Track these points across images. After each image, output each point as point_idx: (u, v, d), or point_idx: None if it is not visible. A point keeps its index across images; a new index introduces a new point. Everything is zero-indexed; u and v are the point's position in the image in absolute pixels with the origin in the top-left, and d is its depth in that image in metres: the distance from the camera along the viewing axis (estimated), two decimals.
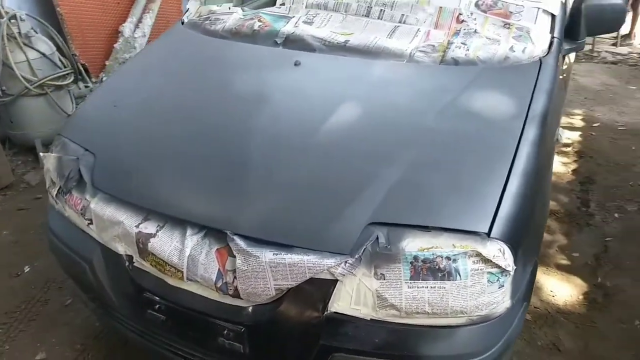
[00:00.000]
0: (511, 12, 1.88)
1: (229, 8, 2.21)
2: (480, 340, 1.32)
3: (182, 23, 2.30)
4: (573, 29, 1.95)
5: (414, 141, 1.47)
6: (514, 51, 1.76)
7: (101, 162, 1.63)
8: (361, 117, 1.58)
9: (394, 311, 1.29)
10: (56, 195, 1.71)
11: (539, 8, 1.88)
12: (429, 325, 1.30)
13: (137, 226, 1.48)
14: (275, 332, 1.40)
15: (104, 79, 4.52)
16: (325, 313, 1.32)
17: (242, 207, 1.40)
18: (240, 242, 1.33)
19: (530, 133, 1.51)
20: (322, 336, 1.33)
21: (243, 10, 2.17)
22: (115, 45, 4.64)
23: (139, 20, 4.79)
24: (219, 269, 1.39)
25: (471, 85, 1.63)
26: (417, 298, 1.27)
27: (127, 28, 4.68)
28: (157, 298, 1.53)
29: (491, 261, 1.26)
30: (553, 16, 1.89)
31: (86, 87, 4.13)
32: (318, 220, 1.35)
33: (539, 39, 1.81)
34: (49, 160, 1.75)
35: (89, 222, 1.61)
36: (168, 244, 1.44)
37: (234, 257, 1.36)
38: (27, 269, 2.74)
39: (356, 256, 1.28)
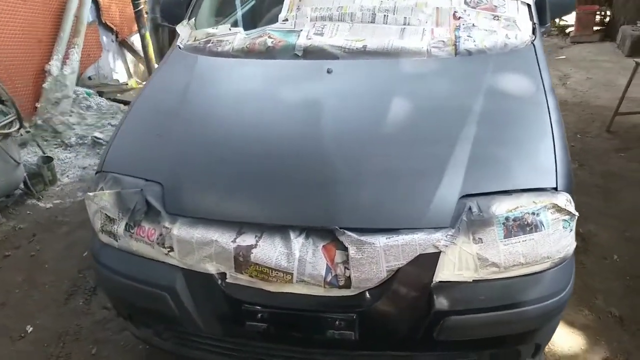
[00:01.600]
0: (496, 6, 2.16)
1: (230, 29, 2.27)
2: (562, 278, 1.56)
3: (180, 48, 2.32)
4: (540, 14, 2.29)
5: (467, 121, 1.67)
6: (509, 38, 2.05)
7: (173, 189, 1.64)
8: (412, 108, 1.76)
9: (494, 268, 1.47)
10: (118, 231, 1.68)
11: (517, 0, 2.20)
12: (522, 275, 1.50)
13: (233, 241, 1.53)
14: (387, 312, 1.52)
15: (39, 121, 4.27)
16: (433, 283, 1.47)
17: (341, 202, 1.52)
18: (352, 234, 1.45)
19: (551, 102, 1.78)
20: (434, 304, 1.47)
21: (245, 30, 2.25)
22: (44, 85, 4.40)
23: (65, 57, 4.57)
24: (327, 265, 1.49)
25: (491, 70, 1.88)
26: (513, 252, 1.47)
27: (54, 66, 4.46)
28: (258, 308, 1.58)
29: (564, 209, 1.50)
30: (529, 6, 2.22)
31: (27, 132, 3.88)
32: (414, 201, 1.50)
33: (524, 26, 2.12)
34: (103, 198, 1.72)
35: (169, 249, 1.61)
36: (272, 251, 1.51)
37: (343, 249, 1.47)
38: (29, 328, 2.56)
39: (456, 227, 1.45)
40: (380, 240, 1.44)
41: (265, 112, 1.84)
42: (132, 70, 5.65)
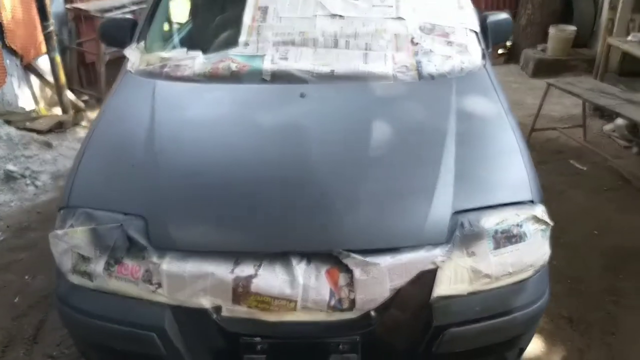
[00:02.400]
0: (447, 33, 2.30)
1: (187, 53, 2.20)
2: (542, 284, 1.67)
3: (131, 72, 2.21)
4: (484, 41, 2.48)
5: (446, 142, 1.75)
6: (464, 63, 2.19)
7: (158, 222, 1.55)
8: (390, 130, 1.82)
9: (486, 279, 1.55)
10: (96, 270, 1.55)
11: (465, 27, 2.36)
12: (510, 283, 1.60)
13: (231, 272, 1.48)
14: (389, 331, 1.54)
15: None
16: (432, 299, 1.52)
17: (341, 225, 1.52)
18: (357, 256, 1.46)
19: (512, 121, 1.94)
20: (434, 319, 1.52)
21: (204, 54, 2.19)
22: None
23: None
24: (330, 289, 1.48)
25: (454, 93, 2.00)
26: (502, 263, 1.56)
27: None
28: (257, 339, 1.53)
29: (541, 220, 1.63)
30: (476, 33, 2.39)
31: None
32: (412, 220, 1.55)
33: (474, 51, 2.28)
34: (75, 235, 1.58)
35: (157, 286, 1.51)
36: (274, 279, 1.47)
37: (346, 272, 1.48)
38: None
39: (452, 242, 1.51)
40: (385, 260, 1.46)
41: (245, 137, 1.81)
42: (38, 96, 5.23)
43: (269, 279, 1.47)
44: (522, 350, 1.79)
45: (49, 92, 5.31)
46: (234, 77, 2.08)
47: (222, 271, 1.48)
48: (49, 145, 4.27)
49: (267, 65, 2.09)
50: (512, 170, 1.74)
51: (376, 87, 2.03)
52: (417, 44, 2.21)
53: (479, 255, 1.54)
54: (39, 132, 4.42)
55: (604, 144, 4.48)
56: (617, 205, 3.53)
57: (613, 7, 4.97)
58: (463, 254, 1.53)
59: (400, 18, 2.27)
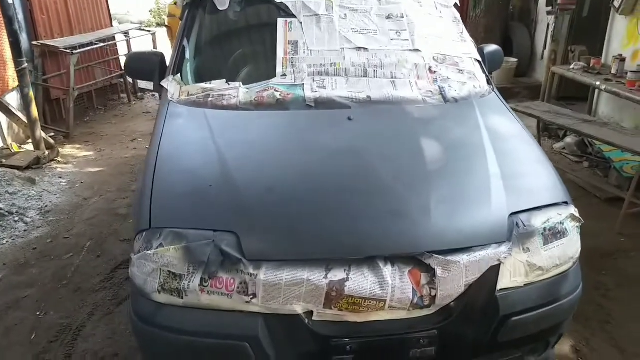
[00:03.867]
0: (457, 62, 2.59)
1: (228, 84, 2.33)
2: (578, 274, 1.92)
3: (174, 102, 2.30)
4: None
5: (487, 154, 1.99)
6: (476, 88, 2.48)
7: (251, 236, 1.65)
8: (437, 146, 2.03)
9: (539, 272, 1.78)
10: (190, 286, 1.63)
11: (470, 57, 2.65)
12: (557, 274, 1.83)
13: (325, 277, 1.61)
14: (462, 324, 1.71)
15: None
16: (497, 291, 1.72)
17: (422, 230, 1.70)
18: (439, 256, 1.63)
19: (530, 135, 2.22)
20: (500, 310, 1.71)
21: (244, 85, 2.33)
22: None
23: None
24: (413, 288, 1.65)
25: (479, 113, 2.26)
26: (552, 256, 1.80)
27: None
28: (346, 340, 1.66)
29: (577, 218, 1.89)
30: (480, 62, 2.69)
31: None
32: (479, 222, 1.75)
33: (481, 78, 2.58)
34: (167, 254, 1.64)
35: (252, 296, 1.61)
36: (365, 281, 1.62)
37: (426, 272, 1.65)
38: None
39: (511, 241, 1.73)
40: (463, 259, 1.65)
41: (311, 155, 1.96)
42: (6, 132, 5.06)
43: (361, 281, 1.62)
44: (561, 335, 2.02)
45: (16, 128, 5.16)
46: (280, 104, 2.23)
47: (317, 277, 1.60)
48: (32, 181, 4.16)
49: (308, 93, 2.26)
50: (545, 176, 2.00)
51: (411, 109, 2.25)
52: (434, 72, 2.47)
53: (533, 250, 1.77)
54: (17, 168, 4.29)
55: (557, 160, 4.97)
56: (582, 212, 3.94)
57: (555, 40, 5.57)
58: (520, 250, 1.75)
59: (417, 50, 2.52)
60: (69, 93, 5.47)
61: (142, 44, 7.36)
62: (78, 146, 5.47)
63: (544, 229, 1.80)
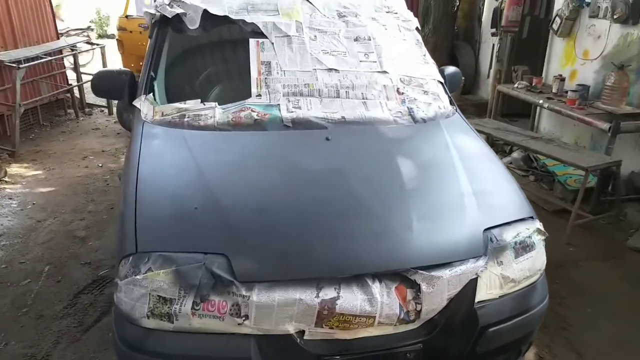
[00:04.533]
0: (422, 84, 2.71)
1: (204, 104, 2.33)
2: (544, 285, 2.06)
3: (148, 122, 2.28)
4: None
5: (458, 173, 2.10)
6: (441, 108, 2.61)
7: (242, 258, 1.67)
8: (410, 165, 2.12)
9: (512, 284, 1.90)
10: (182, 310, 1.62)
11: (433, 79, 2.79)
12: (527, 285, 1.96)
13: (317, 296, 1.65)
14: (444, 336, 1.80)
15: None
16: (475, 304, 1.82)
17: (406, 247, 1.77)
18: (424, 272, 1.71)
19: (493, 152, 2.36)
20: (479, 321, 1.81)
21: (219, 105, 2.34)
22: None
23: None
24: (399, 303, 1.72)
25: (446, 132, 2.39)
26: (522, 269, 1.92)
27: None
28: (337, 357, 1.70)
29: (542, 231, 2.03)
30: (442, 83, 2.83)
31: None
32: (457, 238, 1.85)
33: (444, 99, 2.71)
34: (157, 278, 1.63)
35: (244, 318, 1.63)
36: (354, 299, 1.67)
37: (411, 287, 1.73)
38: None
39: (487, 254, 1.84)
40: (446, 273, 1.74)
41: (293, 175, 2.01)
42: None
43: (351, 299, 1.67)
44: (531, 344, 2.14)
45: None
46: (258, 124, 2.26)
47: (308, 296, 1.64)
48: None
49: (285, 113, 2.31)
50: (512, 193, 2.13)
51: (385, 130, 2.34)
52: (402, 93, 2.59)
53: (505, 263, 1.88)
54: None
55: None
56: None
57: (500, 60, 5.90)
58: (494, 263, 1.86)
59: (384, 72, 2.63)
60: (15, 109, 5.22)
61: (89, 57, 7.16)
62: (26, 165, 5.23)
63: (515, 243, 1.92)
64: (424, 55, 2.91)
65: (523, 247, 1.94)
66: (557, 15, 5.32)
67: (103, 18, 18.41)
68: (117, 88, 2.58)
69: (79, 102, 7.20)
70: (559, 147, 4.27)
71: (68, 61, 7.24)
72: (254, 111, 2.31)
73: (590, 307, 3.08)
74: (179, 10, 2.62)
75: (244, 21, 2.62)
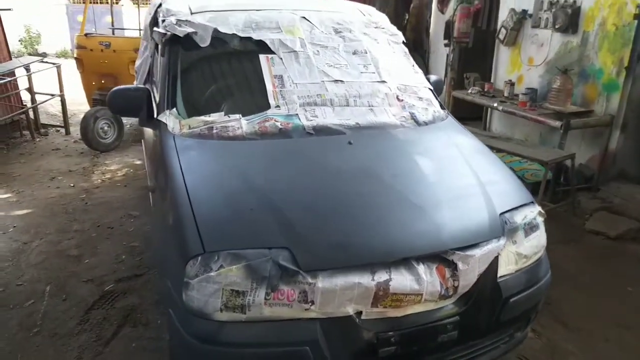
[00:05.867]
0: (415, 91, 2.99)
1: (228, 116, 2.49)
2: (547, 260, 2.37)
3: (178, 136, 2.41)
4: None
5: (466, 166, 2.39)
6: (436, 113, 2.91)
7: (304, 250, 1.85)
8: (426, 161, 2.39)
9: (524, 259, 2.20)
10: (255, 301, 1.78)
11: (425, 86, 3.08)
12: (536, 260, 2.26)
13: (372, 279, 1.86)
14: (475, 308, 2.06)
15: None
16: (498, 278, 2.10)
17: (443, 231, 2.02)
18: (460, 252, 1.97)
19: (486, 147, 2.68)
20: (503, 293, 2.09)
21: (243, 117, 2.51)
22: None
23: None
24: (440, 282, 1.96)
25: (447, 133, 2.68)
26: (532, 246, 2.23)
27: None
28: (390, 333, 1.92)
29: (542, 213, 2.35)
30: (431, 90, 3.13)
31: None
32: (482, 221, 2.12)
33: (436, 104, 3.02)
34: (230, 273, 1.78)
35: (311, 303, 1.81)
36: (404, 280, 1.90)
37: (449, 267, 1.98)
38: None
39: (505, 234, 2.13)
40: (477, 252, 2.00)
41: (331, 174, 2.22)
42: None
43: (401, 280, 1.89)
44: (537, 313, 2.45)
45: None
46: (283, 133, 2.45)
47: (365, 280, 1.85)
48: None
49: (305, 122, 2.51)
50: (513, 181, 2.45)
51: (396, 132, 2.60)
52: (402, 100, 2.86)
53: (519, 242, 2.18)
54: None
55: None
56: None
57: (453, 68, 6.37)
58: (510, 242, 2.15)
59: (383, 81, 2.89)
60: None
61: (44, 77, 6.99)
62: None
63: (524, 224, 2.22)
64: (413, 66, 3.21)
65: (530, 228, 2.25)
66: (502, 26, 5.85)
67: (34, 36, 17.65)
68: (135, 105, 2.68)
69: (34, 122, 6.99)
70: (518, 144, 4.72)
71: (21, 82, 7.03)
72: (276, 121, 2.49)
73: (563, 283, 3.46)
74: (190, 30, 2.75)
75: (251, 38, 2.81)
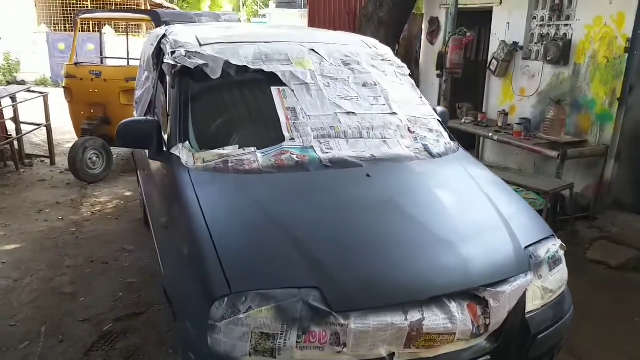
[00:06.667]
0: (425, 123, 2.99)
1: (243, 149, 2.43)
2: (569, 293, 2.34)
3: (193, 169, 2.34)
4: None
5: (486, 200, 2.37)
6: (447, 144, 2.90)
7: (335, 290, 1.78)
8: (446, 195, 2.36)
9: (550, 294, 2.16)
10: (286, 344, 1.70)
11: (433, 118, 3.08)
12: (559, 294, 2.23)
13: (405, 319, 1.80)
14: (504, 346, 2.00)
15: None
16: (526, 314, 2.06)
17: (472, 269, 1.97)
18: (491, 289, 1.92)
19: (500, 178, 2.67)
20: (532, 329, 2.05)
21: (258, 150, 2.45)
22: None
23: None
24: (471, 320, 1.91)
25: (462, 165, 2.66)
26: (556, 280, 2.20)
27: None
28: None
29: (564, 247, 2.33)
30: (439, 121, 3.12)
31: None
32: (509, 257, 2.08)
33: (446, 135, 3.01)
34: (260, 315, 1.70)
35: (343, 346, 1.74)
36: (437, 319, 1.84)
37: (480, 304, 1.93)
38: None
39: (532, 269, 2.09)
40: (507, 288, 1.96)
41: (354, 209, 2.17)
42: None
43: (434, 319, 1.83)
44: (560, 349, 2.40)
45: None
46: (300, 166, 2.39)
47: (399, 319, 1.78)
48: None
49: (320, 154, 2.46)
50: (532, 214, 2.43)
51: (413, 165, 2.57)
52: (413, 132, 2.84)
53: (544, 277, 2.15)
54: None
55: None
56: None
57: (446, 99, 6.44)
58: (536, 277, 2.12)
59: (394, 113, 2.88)
60: None
61: (26, 107, 6.86)
62: None
63: (548, 258, 2.20)
64: (421, 97, 3.21)
65: (554, 262, 2.22)
66: (493, 57, 5.96)
67: (12, 64, 17.40)
68: (144, 137, 2.60)
69: (18, 153, 6.81)
70: (516, 174, 4.76)
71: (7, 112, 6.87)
72: (292, 154, 2.44)
73: (574, 314, 3.42)
74: (201, 62, 2.71)
75: (261, 70, 2.78)
